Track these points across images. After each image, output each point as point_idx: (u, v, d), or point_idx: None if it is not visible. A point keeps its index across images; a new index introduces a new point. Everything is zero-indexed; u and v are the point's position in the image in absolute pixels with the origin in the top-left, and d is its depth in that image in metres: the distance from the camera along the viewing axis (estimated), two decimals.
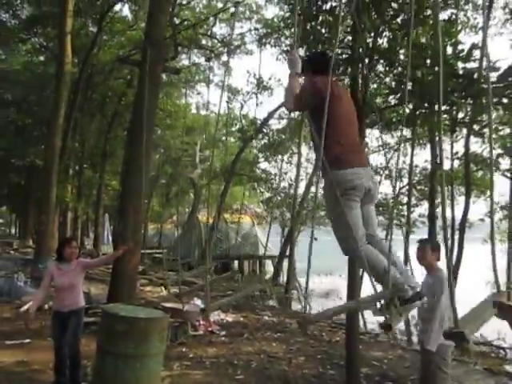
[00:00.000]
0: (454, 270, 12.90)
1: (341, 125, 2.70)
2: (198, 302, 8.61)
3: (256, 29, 19.40)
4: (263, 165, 22.34)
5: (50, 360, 5.06)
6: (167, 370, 5.05)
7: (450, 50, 4.61)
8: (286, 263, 18.53)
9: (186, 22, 19.19)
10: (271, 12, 58.76)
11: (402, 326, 12.40)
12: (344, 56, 4.34)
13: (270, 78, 19.70)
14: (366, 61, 4.13)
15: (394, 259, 2.69)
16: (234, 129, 29.92)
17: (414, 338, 10.75)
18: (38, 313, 4.82)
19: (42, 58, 25.37)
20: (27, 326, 4.55)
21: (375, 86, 5.02)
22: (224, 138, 30.33)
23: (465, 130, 11.09)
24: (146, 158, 6.02)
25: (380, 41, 4.18)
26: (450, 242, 15.96)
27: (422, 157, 16.53)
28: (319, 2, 4.62)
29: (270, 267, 21.81)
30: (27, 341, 6.38)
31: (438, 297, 3.69)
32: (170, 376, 5.13)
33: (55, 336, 4.58)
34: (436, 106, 4.23)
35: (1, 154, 24.76)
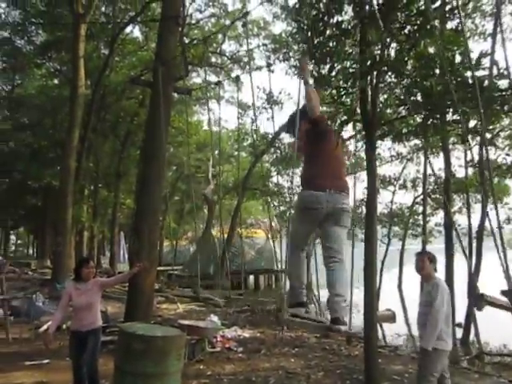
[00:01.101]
0: (473, 278, 12.68)
1: (318, 155, 3.18)
2: (215, 318, 8.59)
3: (264, 44, 19.63)
4: (275, 179, 22.38)
5: (69, 380, 5.08)
6: None
7: (458, 58, 4.61)
8: None
9: (195, 41, 19.53)
10: (279, 27, 59.40)
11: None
12: (352, 69, 4.37)
13: (280, 93, 19.83)
14: (375, 73, 4.16)
15: (335, 283, 3.15)
16: (245, 144, 30.09)
17: None
18: (56, 333, 4.85)
19: (56, 82, 25.96)
20: (46, 347, 4.58)
21: (385, 96, 5.02)
22: (236, 153, 30.52)
23: (478, 138, 11.00)
24: (159, 176, 6.10)
25: (387, 52, 4.21)
26: (467, 250, 15.72)
27: (436, 165, 16.37)
28: (325, 17, 4.67)
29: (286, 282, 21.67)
30: (46, 361, 6.42)
31: (434, 301, 4.03)
32: None
33: (74, 356, 4.60)
34: (447, 116, 4.23)
35: (18, 177, 25.27)
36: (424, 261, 4.28)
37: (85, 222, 20.19)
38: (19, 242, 57.74)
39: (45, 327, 8.48)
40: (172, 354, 3.71)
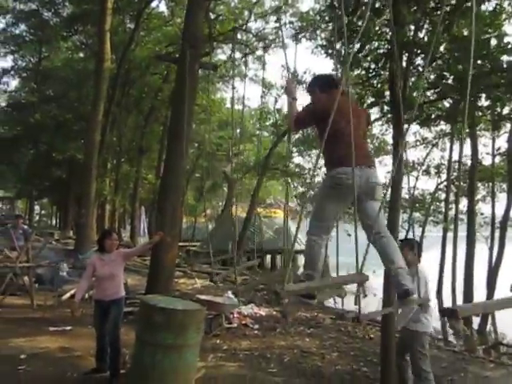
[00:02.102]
0: (494, 268, 12.49)
1: (339, 132, 3.00)
2: (232, 295, 8.72)
3: (291, 22, 19.26)
4: (297, 159, 22.24)
5: (91, 347, 5.28)
6: (202, 361, 5.14)
7: (494, 42, 4.46)
8: None
9: (220, 17, 19.31)
10: (307, 5, 58.10)
11: (437, 325, 12.16)
12: (382, 50, 4.27)
13: (304, 72, 19.52)
14: (406, 55, 4.06)
15: (391, 257, 2.99)
16: (267, 123, 29.87)
17: (451, 338, 10.54)
18: (81, 302, 5.02)
19: (81, 55, 26.13)
20: (72, 314, 4.76)
21: (413, 79, 4.90)
22: (258, 132, 30.36)
23: (508, 125, 10.67)
24: (183, 153, 6.13)
25: (420, 34, 4.10)
26: (489, 240, 15.47)
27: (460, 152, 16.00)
28: None
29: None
30: (69, 328, 6.65)
31: (421, 289, 4.09)
32: (204, 367, 5.23)
33: (97, 324, 4.76)
34: (478, 101, 4.11)
35: (43, 149, 25.75)
36: (404, 250, 4.20)
37: (107, 195, 20.53)
38: (43, 212, 59.22)
39: (68, 295, 8.77)
40: (191, 327, 3.80)
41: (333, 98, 2.90)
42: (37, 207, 48.05)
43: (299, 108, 3.28)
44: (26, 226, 10.93)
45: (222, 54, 23.55)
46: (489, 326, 11.80)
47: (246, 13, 21.05)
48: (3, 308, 7.62)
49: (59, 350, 5.61)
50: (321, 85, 3.32)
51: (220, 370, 5.32)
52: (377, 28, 4.70)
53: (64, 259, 9.62)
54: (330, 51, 5.36)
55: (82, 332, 6.43)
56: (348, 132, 2.94)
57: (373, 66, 4.29)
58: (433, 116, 4.38)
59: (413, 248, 4.42)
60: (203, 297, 7.43)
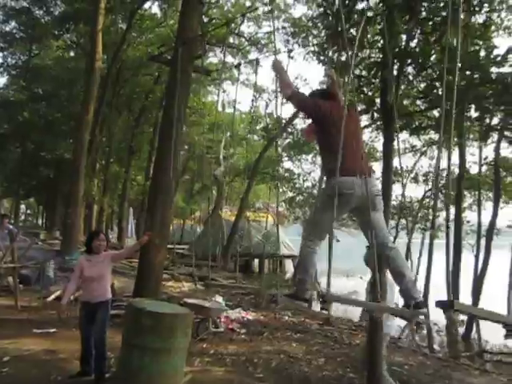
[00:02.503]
0: (479, 276, 12.65)
1: (338, 141, 2.97)
2: (220, 299, 8.70)
3: (284, 27, 19.36)
4: (287, 164, 22.31)
5: (76, 350, 5.20)
6: (189, 366, 5.10)
7: (483, 53, 4.52)
8: None
9: (213, 21, 19.33)
10: (299, 11, 58.47)
11: (423, 332, 12.25)
12: (374, 59, 4.30)
13: (296, 78, 19.65)
14: (397, 64, 4.10)
15: (402, 270, 2.98)
16: (258, 127, 29.91)
17: (436, 346, 10.63)
18: (72, 303, 4.96)
19: (72, 54, 25.95)
20: (59, 316, 4.70)
21: (402, 87, 4.96)
22: (248, 136, 30.39)
23: (496, 135, 10.84)
24: (174, 155, 6.12)
25: (412, 44, 4.15)
26: (475, 247, 15.65)
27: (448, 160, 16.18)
28: (351, 3, 4.59)
29: (290, 266, 21.80)
30: (53, 330, 6.55)
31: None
32: (191, 371, 5.19)
33: (83, 326, 4.70)
34: (467, 112, 4.17)
35: (31, 147, 25.47)
36: None
37: (95, 195, 20.36)
38: (29, 211, 58.51)
39: (53, 297, 8.66)
40: (179, 331, 3.78)
41: (333, 105, 3.02)
42: (23, 206, 47.45)
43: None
44: (11, 226, 10.78)
45: (213, 57, 23.59)
46: (473, 334, 11.91)
47: (239, 16, 21.12)
48: None
49: (43, 353, 5.53)
50: (321, 95, 3.40)
51: (207, 375, 5.29)
52: (369, 36, 4.74)
53: (50, 259, 9.49)
54: (322, 58, 5.40)
55: (67, 334, 6.34)
56: (349, 142, 2.99)
57: (365, 73, 4.34)
58: (423, 125, 4.43)
59: None
60: (190, 300, 7.38)
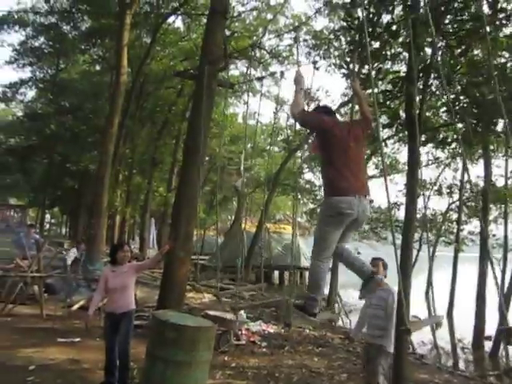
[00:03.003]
0: (507, 290, 12.29)
1: (340, 159, 3.13)
2: (241, 311, 8.67)
3: (305, 40, 19.47)
4: (307, 175, 22.25)
5: (100, 360, 5.27)
6: (211, 379, 5.09)
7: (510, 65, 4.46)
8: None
9: (235, 34, 19.57)
10: (320, 24, 58.63)
11: (448, 348, 11.96)
12: (400, 73, 4.29)
13: (317, 90, 19.68)
14: (422, 78, 4.08)
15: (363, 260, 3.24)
16: (279, 139, 29.96)
17: (461, 363, 10.34)
18: (97, 313, 5.04)
19: (98, 68, 26.59)
20: (86, 326, 4.80)
21: (430, 102, 4.92)
22: (269, 147, 30.48)
23: None
24: (199, 168, 6.19)
25: (437, 57, 4.11)
26: (502, 261, 15.24)
27: (473, 172, 15.97)
28: (375, 18, 4.60)
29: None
30: (78, 339, 6.64)
31: (393, 309, 4.58)
32: None
33: (107, 337, 4.75)
34: (495, 126, 4.11)
35: (57, 159, 26.10)
36: (379, 265, 4.39)
37: (118, 206, 20.65)
38: (53, 221, 59.68)
39: (77, 306, 8.78)
40: (202, 344, 3.79)
41: (336, 122, 3.16)
42: (47, 216, 48.44)
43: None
44: (37, 236, 11.02)
45: (235, 70, 23.84)
46: (500, 351, 11.57)
47: (261, 30, 21.36)
48: (13, 317, 7.66)
49: (68, 362, 5.61)
50: (324, 111, 3.46)
51: None
52: (393, 50, 4.74)
53: (73, 269, 9.64)
54: (344, 71, 5.40)
55: (91, 344, 6.42)
56: (351, 160, 3.11)
57: (390, 88, 4.32)
58: (449, 139, 4.38)
59: (386, 267, 4.57)
60: (212, 312, 7.39)
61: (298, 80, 3.46)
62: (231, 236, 23.78)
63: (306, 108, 3.47)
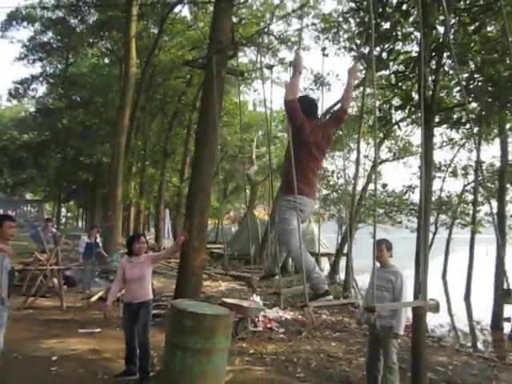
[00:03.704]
0: None
1: (307, 162, 3.35)
2: (258, 298, 8.72)
3: (314, 24, 19.20)
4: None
5: (120, 349, 5.37)
6: (229, 365, 5.14)
7: None
8: (342, 261, 18.30)
9: (243, 21, 19.40)
10: (329, 6, 57.66)
11: (466, 330, 11.89)
12: (410, 53, 4.20)
13: (327, 74, 19.42)
14: (435, 58, 3.99)
15: (313, 263, 3.33)
16: None
17: (480, 345, 10.28)
18: (115, 303, 5.13)
19: (106, 61, 26.65)
20: (105, 317, 4.88)
21: (443, 81, 4.82)
22: (280, 134, 30.32)
23: None
24: (211, 158, 6.19)
25: (450, 36, 4.01)
26: None
27: (489, 153, 15.70)
28: None
29: (326, 265, 21.60)
30: (98, 330, 6.78)
31: (402, 290, 4.55)
32: (232, 371, 5.25)
33: (126, 327, 4.83)
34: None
35: (70, 153, 26.37)
36: (382, 249, 4.64)
37: (132, 198, 20.83)
38: (69, 214, 60.49)
39: (96, 297, 8.93)
40: (220, 332, 3.83)
41: (314, 130, 3.32)
42: (63, 210, 49.13)
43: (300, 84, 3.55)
44: (54, 229, 11.20)
45: (243, 57, 23.66)
46: None
47: (268, 15, 21.12)
48: (34, 310, 7.83)
49: (89, 352, 5.72)
50: (308, 109, 3.45)
51: (247, 374, 5.33)
52: (404, 30, 4.64)
53: (91, 261, 9.78)
54: (355, 54, 5.32)
55: (111, 334, 6.54)
56: (312, 167, 3.38)
57: (402, 68, 4.24)
58: (463, 120, 4.29)
59: (389, 248, 4.73)
60: (229, 300, 7.44)
61: (297, 62, 3.40)
62: (245, 224, 23.85)
63: (297, 96, 3.43)
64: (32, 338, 6.20)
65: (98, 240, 10.53)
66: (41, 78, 28.61)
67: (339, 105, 3.74)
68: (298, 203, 3.16)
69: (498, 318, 11.57)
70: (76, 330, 6.72)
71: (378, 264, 4.73)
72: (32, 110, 33.79)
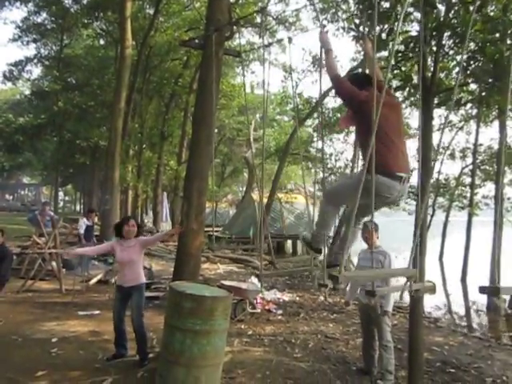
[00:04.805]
0: None
1: (387, 135, 2.89)
2: (255, 280, 8.78)
3: (312, 4, 18.87)
4: (318, 144, 21.99)
5: None
6: (228, 346, 5.20)
7: None
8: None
9: (240, 1, 19.07)
10: None
11: (462, 311, 12.03)
12: (411, 32, 4.14)
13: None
14: (436, 38, 3.92)
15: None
16: (288, 108, 29.55)
17: (475, 325, 10.41)
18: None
19: (102, 42, 26.25)
20: (65, 256, 4.95)
21: (444, 61, 4.76)
22: (278, 116, 30.13)
23: None
24: (209, 140, 6.15)
25: (451, 15, 3.94)
26: None
27: (487, 135, 15.68)
28: None
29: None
30: (97, 312, 6.83)
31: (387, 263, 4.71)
32: (231, 352, 5.31)
33: (115, 309, 4.84)
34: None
35: (67, 136, 26.19)
36: (372, 232, 4.65)
37: (130, 181, 20.78)
38: (67, 198, 60.49)
39: (95, 280, 8.98)
40: (219, 314, 3.85)
41: (371, 95, 2.72)
42: (61, 193, 49.04)
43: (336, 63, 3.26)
44: (52, 213, 11.19)
45: (241, 38, 23.33)
46: None
47: None
48: (33, 293, 7.86)
49: (89, 334, 5.76)
50: (360, 80, 3.21)
51: (246, 355, 5.39)
52: (405, 8, 4.56)
53: (89, 245, 9.80)
54: (354, 34, 5.23)
55: (110, 316, 6.45)
56: (390, 137, 2.90)
57: (402, 48, 4.18)
58: (463, 101, 4.24)
59: (376, 230, 4.83)
60: (227, 282, 7.50)
61: (324, 40, 3.21)
62: (243, 207, 23.90)
63: (339, 73, 3.23)
64: (31, 320, 6.24)
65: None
66: (35, 60, 28.18)
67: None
68: (376, 187, 2.65)
69: (493, 299, 11.69)
70: (75, 313, 6.76)
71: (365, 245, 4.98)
72: (27, 92, 33.43)
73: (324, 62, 3.23)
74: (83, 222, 10.15)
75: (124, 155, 17.85)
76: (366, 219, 3.35)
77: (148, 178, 25.07)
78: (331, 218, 3.21)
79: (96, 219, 10.70)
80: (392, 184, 2.84)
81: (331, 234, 3.32)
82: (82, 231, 9.98)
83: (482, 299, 12.11)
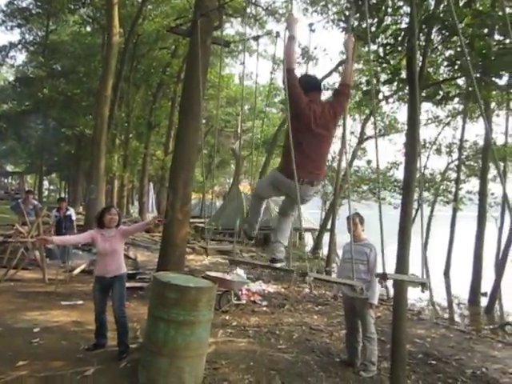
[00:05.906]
0: (504, 248, 12.45)
1: (301, 144, 3.13)
2: (241, 272, 8.79)
3: None
4: None
5: None
6: (212, 337, 5.20)
7: None
8: (326, 236, 18.50)
9: None
10: None
11: (445, 304, 12.23)
12: (400, 25, 4.12)
13: (315, 48, 19.19)
14: (424, 31, 3.92)
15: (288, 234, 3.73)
16: (276, 100, 29.49)
17: (457, 318, 10.60)
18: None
19: (89, 29, 25.77)
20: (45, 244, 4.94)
21: (433, 56, 4.76)
22: (266, 109, 30.06)
23: None
24: (196, 130, 6.08)
25: (441, 8, 3.93)
26: (499, 220, 15.37)
27: (473, 131, 15.91)
28: None
29: (309, 240, 21.82)
30: (80, 302, 6.76)
31: (375, 263, 4.74)
32: (215, 343, 5.30)
33: (96, 300, 4.77)
34: (498, 80, 3.99)
35: (52, 124, 25.74)
36: (356, 223, 4.85)
37: (116, 171, 20.56)
38: (51, 187, 59.67)
39: (78, 270, 8.89)
40: (203, 304, 3.83)
41: (315, 108, 3.15)
42: (45, 182, 48.34)
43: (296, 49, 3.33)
44: (36, 201, 11.01)
45: (230, 28, 23.19)
46: (496, 306, 11.84)
47: None
48: (15, 282, 7.75)
49: (71, 324, 5.70)
50: (309, 86, 3.31)
51: (230, 346, 5.39)
52: (395, 1, 4.55)
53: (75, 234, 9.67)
54: (344, 25, 5.20)
55: (93, 307, 6.51)
56: (313, 149, 3.19)
57: (391, 41, 4.16)
58: (450, 94, 4.26)
59: (362, 222, 4.96)
60: (213, 274, 7.48)
61: (290, 24, 3.22)
62: (230, 199, 23.84)
63: (295, 67, 3.29)
64: (14, 309, 6.14)
65: (70, 212, 10.23)
66: (20, 46, 27.50)
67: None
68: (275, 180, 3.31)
69: (475, 293, 11.91)
70: (58, 303, 6.68)
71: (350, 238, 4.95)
72: (11, 78, 32.72)
73: (286, 49, 3.21)
74: (54, 216, 9.88)
75: (110, 144, 17.63)
76: (294, 213, 3.66)
77: (134, 167, 24.84)
78: (256, 208, 3.68)
79: (81, 209, 10.51)
80: (289, 182, 3.15)
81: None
82: (51, 222, 9.71)
83: (465, 293, 12.32)
